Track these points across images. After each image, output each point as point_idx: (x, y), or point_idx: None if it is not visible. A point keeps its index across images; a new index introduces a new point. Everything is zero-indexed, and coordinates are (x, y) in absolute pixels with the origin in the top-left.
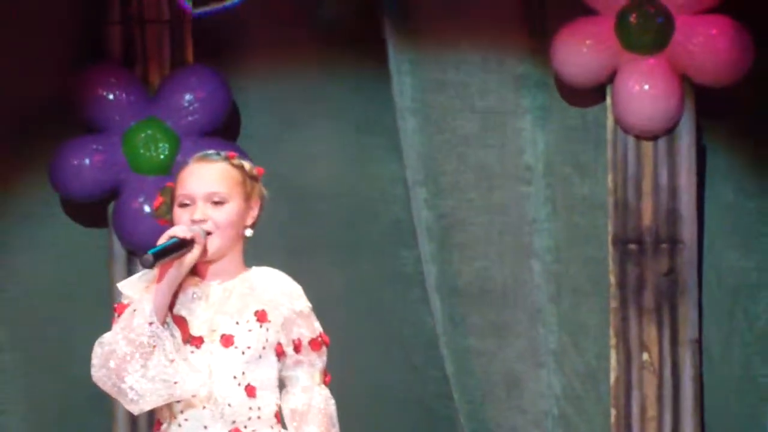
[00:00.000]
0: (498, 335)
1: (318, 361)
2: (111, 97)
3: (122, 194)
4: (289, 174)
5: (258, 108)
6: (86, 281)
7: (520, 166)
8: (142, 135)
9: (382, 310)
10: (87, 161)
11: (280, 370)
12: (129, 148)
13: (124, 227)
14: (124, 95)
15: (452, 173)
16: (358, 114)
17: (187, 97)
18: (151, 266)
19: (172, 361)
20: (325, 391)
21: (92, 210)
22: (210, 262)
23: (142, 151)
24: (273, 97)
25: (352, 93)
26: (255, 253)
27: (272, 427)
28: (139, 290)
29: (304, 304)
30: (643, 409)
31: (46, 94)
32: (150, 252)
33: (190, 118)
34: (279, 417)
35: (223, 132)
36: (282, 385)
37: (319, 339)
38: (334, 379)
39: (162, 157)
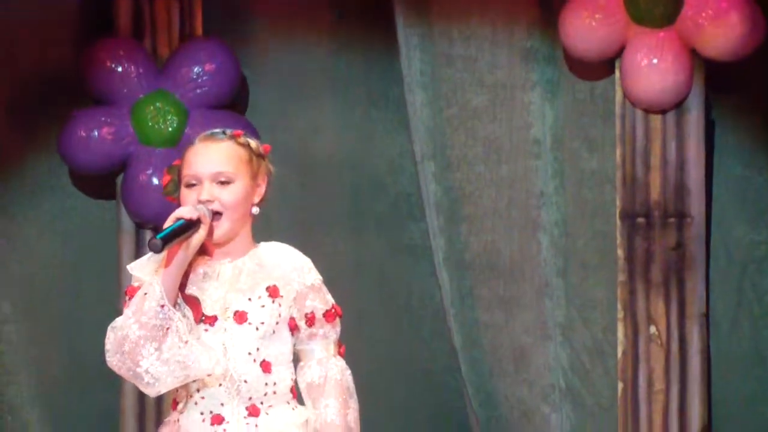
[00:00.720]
0: (505, 308)
1: (332, 332)
2: (120, 69)
3: (130, 167)
4: (297, 147)
5: (267, 81)
6: (94, 253)
7: (529, 140)
8: (151, 107)
9: (390, 284)
10: (95, 133)
11: (294, 345)
12: (137, 121)
13: (133, 200)
14: (132, 68)
15: (461, 147)
16: (366, 88)
17: (196, 69)
18: (159, 251)
19: (185, 342)
20: (341, 362)
21: (100, 182)
22: (218, 243)
23: (150, 123)
24: (282, 70)
25: (361, 67)
26: (263, 226)
27: (288, 403)
28: (149, 272)
29: (314, 277)
30: (650, 383)
31: (55, 66)
32: (158, 236)
33: (198, 91)
34: (295, 392)
35: (232, 105)
36: (296, 358)
37: (333, 310)
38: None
39: (170, 129)
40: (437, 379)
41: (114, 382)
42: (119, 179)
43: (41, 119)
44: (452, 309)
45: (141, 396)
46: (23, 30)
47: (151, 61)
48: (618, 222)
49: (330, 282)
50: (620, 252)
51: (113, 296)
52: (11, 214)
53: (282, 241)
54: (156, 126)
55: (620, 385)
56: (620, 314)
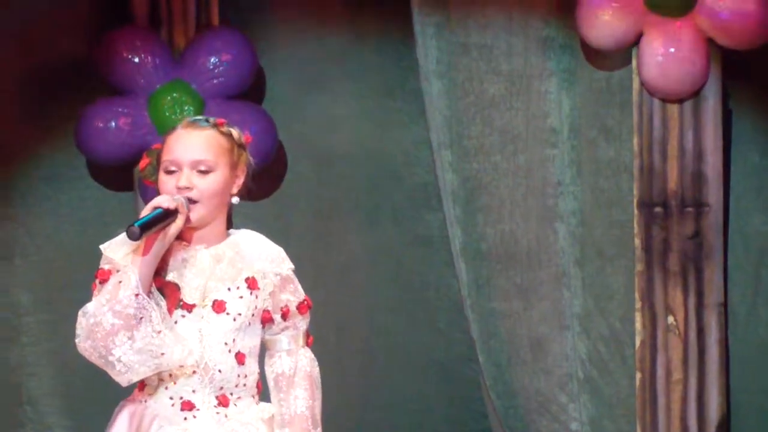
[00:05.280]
0: (523, 298)
1: (302, 323)
2: (137, 59)
3: None
4: (313, 136)
5: (283, 70)
6: None
7: (546, 129)
8: (168, 98)
9: (407, 273)
10: (113, 124)
11: (263, 335)
12: (155, 111)
13: (150, 191)
14: (149, 58)
15: (477, 136)
16: (382, 78)
17: (213, 59)
18: (137, 238)
19: (158, 332)
20: (309, 354)
21: (118, 173)
22: (195, 228)
23: (167, 113)
24: (298, 60)
25: (377, 56)
26: (280, 214)
27: (253, 397)
28: (123, 255)
29: (287, 267)
30: (668, 373)
31: (72, 56)
32: (136, 224)
33: (215, 81)
34: (260, 386)
35: (248, 95)
36: (264, 348)
37: (305, 302)
38: (359, 341)
39: None
40: (454, 370)
41: None
42: (136, 170)
43: (59, 110)
44: (469, 299)
45: None
46: (40, 20)
47: (167, 52)
48: (635, 211)
49: (346, 273)
50: (637, 241)
51: None
52: (29, 205)
53: (298, 232)
54: (173, 116)
55: (638, 375)
56: (638, 304)
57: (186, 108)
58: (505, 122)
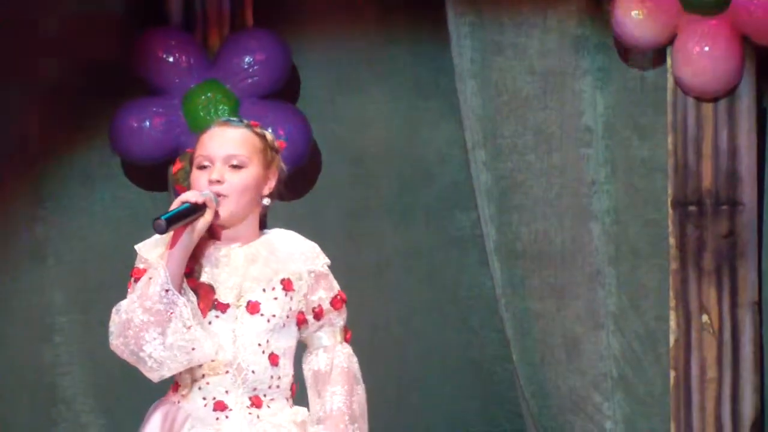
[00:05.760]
0: (557, 297)
1: (339, 319)
2: (171, 59)
3: None
4: (346, 136)
5: (316, 70)
6: None
7: (580, 128)
8: (202, 97)
9: (439, 273)
10: (147, 123)
11: (301, 334)
12: (189, 111)
13: (184, 190)
14: (184, 58)
15: (511, 135)
16: (415, 77)
17: (247, 59)
18: (163, 231)
19: (188, 327)
20: (347, 349)
21: (152, 172)
22: (225, 227)
23: (202, 113)
24: (332, 60)
25: (411, 55)
26: (313, 214)
27: (287, 399)
28: (157, 254)
29: (322, 262)
30: (702, 371)
31: (107, 56)
32: (162, 217)
33: (249, 81)
34: (294, 390)
35: (282, 94)
36: (302, 346)
37: (338, 297)
38: (393, 341)
39: None
40: (488, 369)
41: None
42: (170, 169)
43: (93, 109)
44: (503, 298)
45: None
46: (75, 20)
47: (202, 52)
48: (670, 210)
49: (379, 272)
50: (672, 240)
51: None
52: (63, 205)
53: (331, 232)
54: (207, 116)
55: (672, 374)
56: (672, 302)
57: (220, 108)
58: (539, 121)
